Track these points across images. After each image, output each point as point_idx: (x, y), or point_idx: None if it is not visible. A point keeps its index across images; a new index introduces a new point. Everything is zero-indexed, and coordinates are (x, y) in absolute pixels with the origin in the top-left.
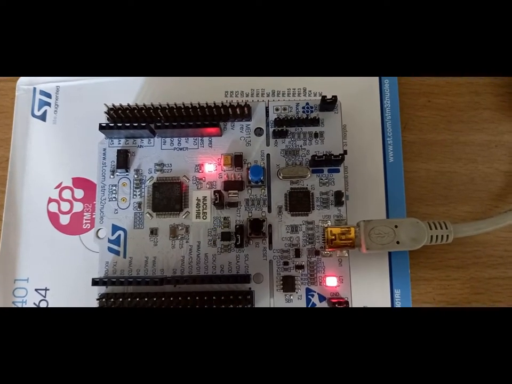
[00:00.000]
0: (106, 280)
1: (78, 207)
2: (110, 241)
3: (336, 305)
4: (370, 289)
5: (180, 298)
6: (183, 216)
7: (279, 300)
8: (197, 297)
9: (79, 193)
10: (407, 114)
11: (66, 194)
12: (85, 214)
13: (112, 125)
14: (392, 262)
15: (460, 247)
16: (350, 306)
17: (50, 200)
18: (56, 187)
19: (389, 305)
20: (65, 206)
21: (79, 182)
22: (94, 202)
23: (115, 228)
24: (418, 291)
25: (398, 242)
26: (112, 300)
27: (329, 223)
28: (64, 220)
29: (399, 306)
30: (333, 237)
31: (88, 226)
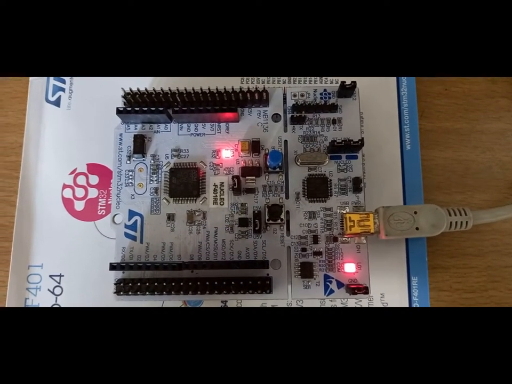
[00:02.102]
0: (124, 264)
1: (93, 193)
2: (126, 226)
3: (356, 291)
4: (388, 276)
5: (198, 283)
6: (200, 202)
7: (297, 286)
8: (216, 282)
9: (94, 179)
10: (424, 102)
11: (81, 180)
12: (100, 200)
13: (130, 109)
14: (409, 249)
15: (477, 235)
16: (369, 292)
17: (64, 186)
18: (71, 173)
19: (406, 292)
20: (79, 192)
21: (93, 168)
22: (109, 189)
23: (132, 213)
24: (435, 279)
25: (417, 229)
26: (129, 284)
27: (347, 210)
28: (79, 206)
29: (417, 295)
30: (352, 223)
31: (103, 212)
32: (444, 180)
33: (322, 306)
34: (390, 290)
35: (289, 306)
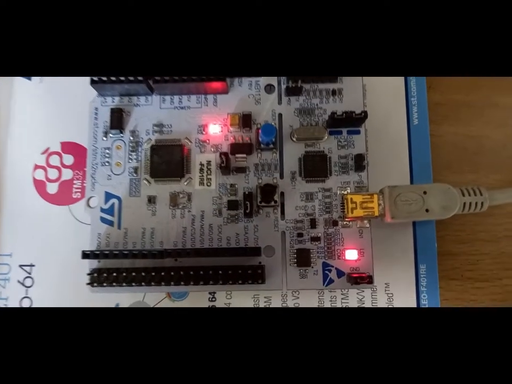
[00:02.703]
0: (98, 253)
1: (67, 174)
2: (102, 210)
3: (358, 280)
4: (393, 264)
5: (181, 273)
6: (185, 183)
7: (292, 276)
8: (201, 272)
9: (69, 159)
10: None
11: (54, 160)
12: (75, 182)
13: (105, 79)
14: (417, 234)
15: (490, 218)
16: (373, 282)
17: (36, 167)
18: (43, 152)
19: (414, 282)
20: (52, 173)
21: (68, 147)
22: (85, 169)
23: (108, 196)
24: (445, 266)
25: (427, 211)
26: (104, 275)
27: (349, 190)
28: (52, 188)
29: (425, 284)
30: (354, 205)
31: (78, 195)
32: (454, 158)
33: (320, 297)
34: (395, 279)
35: (284, 297)
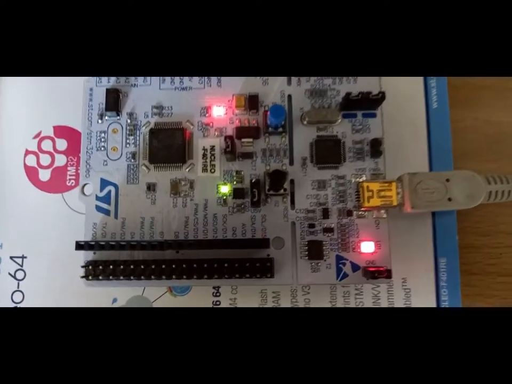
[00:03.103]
0: (93, 243)
1: (61, 160)
2: (98, 198)
3: (376, 275)
4: (411, 258)
5: (183, 265)
6: (187, 169)
7: (303, 270)
8: (205, 265)
9: (62, 144)
10: None
11: (47, 145)
12: (68, 168)
13: None
14: (436, 225)
15: (510, 209)
16: (391, 277)
17: (27, 153)
18: (35, 137)
19: (433, 277)
20: (45, 159)
21: (61, 131)
22: (80, 155)
23: (104, 183)
24: (466, 260)
25: (449, 200)
26: (100, 267)
27: (364, 178)
28: (44, 175)
29: (445, 280)
30: (370, 194)
31: (72, 183)
32: (474, 144)
33: (333, 293)
34: (413, 274)
35: (294, 293)
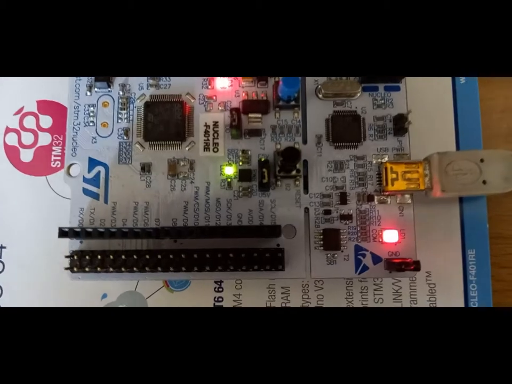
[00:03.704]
0: (79, 230)
1: (45, 139)
2: (85, 180)
3: (403, 267)
4: (437, 249)
5: (183, 256)
6: (187, 148)
7: (318, 261)
8: (207, 255)
9: (46, 121)
10: None
11: (29, 122)
12: (53, 148)
13: None
14: (464, 213)
15: None
16: (420, 269)
17: (8, 130)
18: (16, 113)
19: (461, 270)
20: (27, 138)
21: (46, 106)
22: (66, 132)
23: (93, 163)
24: (495, 251)
25: (484, 182)
26: (87, 258)
27: (387, 159)
28: (27, 156)
29: (474, 274)
30: (394, 176)
31: (58, 164)
32: (505, 124)
33: (348, 288)
34: (439, 267)
35: (305, 287)
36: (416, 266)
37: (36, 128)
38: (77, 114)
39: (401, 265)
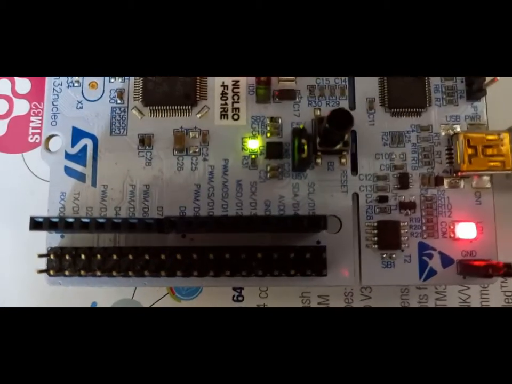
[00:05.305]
0: (56, 221)
1: (21, 107)
2: (68, 156)
3: (491, 272)
4: None
5: (194, 256)
6: (198, 115)
7: (370, 264)
8: (227, 255)
9: (23, 85)
10: None
11: (3, 87)
12: (32, 119)
13: None
14: None
15: None
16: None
17: None
18: None
19: None
20: (1, 107)
21: None
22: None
23: (78, 134)
24: None
25: None
26: (68, 257)
27: (459, 129)
28: None
29: None
30: (472, 152)
31: (37, 139)
32: None
33: (403, 296)
34: None
35: (349, 297)
36: (508, 270)
37: (10, 94)
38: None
39: (488, 269)
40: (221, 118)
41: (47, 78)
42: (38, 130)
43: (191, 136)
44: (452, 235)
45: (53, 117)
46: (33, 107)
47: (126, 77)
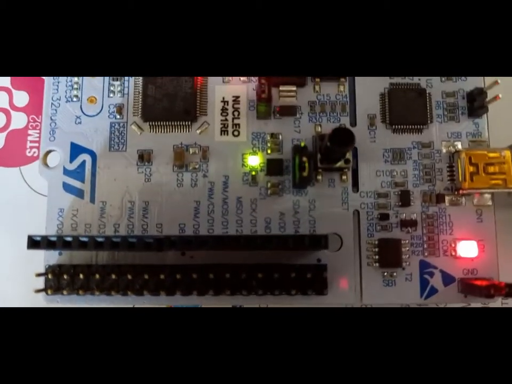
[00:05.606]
0: (55, 239)
1: (19, 120)
2: (66, 172)
3: (492, 292)
4: None
5: (194, 275)
6: (198, 131)
7: (371, 282)
8: (227, 274)
9: (21, 98)
10: None
11: (1, 99)
12: (30, 132)
13: None
14: None
15: None
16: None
17: None
18: None
19: None
20: None
21: (21, 81)
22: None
23: (76, 150)
24: None
25: None
26: (66, 277)
27: (460, 146)
28: None
29: None
30: (474, 169)
31: (34, 152)
32: None
33: None
34: None
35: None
36: (509, 290)
37: (8, 107)
38: (57, 86)
39: (490, 289)
40: (221, 134)
41: (45, 91)
42: (36, 144)
43: (191, 152)
44: (453, 253)
45: (51, 132)
46: (31, 120)
47: (125, 91)
